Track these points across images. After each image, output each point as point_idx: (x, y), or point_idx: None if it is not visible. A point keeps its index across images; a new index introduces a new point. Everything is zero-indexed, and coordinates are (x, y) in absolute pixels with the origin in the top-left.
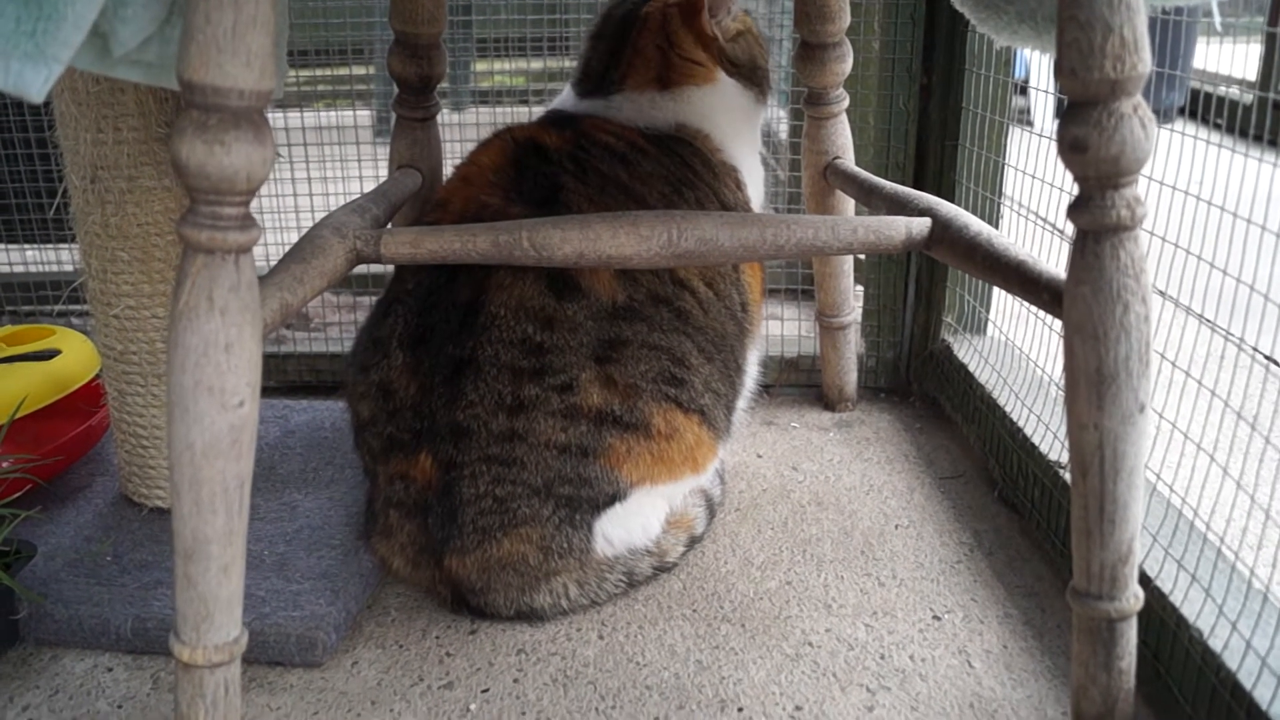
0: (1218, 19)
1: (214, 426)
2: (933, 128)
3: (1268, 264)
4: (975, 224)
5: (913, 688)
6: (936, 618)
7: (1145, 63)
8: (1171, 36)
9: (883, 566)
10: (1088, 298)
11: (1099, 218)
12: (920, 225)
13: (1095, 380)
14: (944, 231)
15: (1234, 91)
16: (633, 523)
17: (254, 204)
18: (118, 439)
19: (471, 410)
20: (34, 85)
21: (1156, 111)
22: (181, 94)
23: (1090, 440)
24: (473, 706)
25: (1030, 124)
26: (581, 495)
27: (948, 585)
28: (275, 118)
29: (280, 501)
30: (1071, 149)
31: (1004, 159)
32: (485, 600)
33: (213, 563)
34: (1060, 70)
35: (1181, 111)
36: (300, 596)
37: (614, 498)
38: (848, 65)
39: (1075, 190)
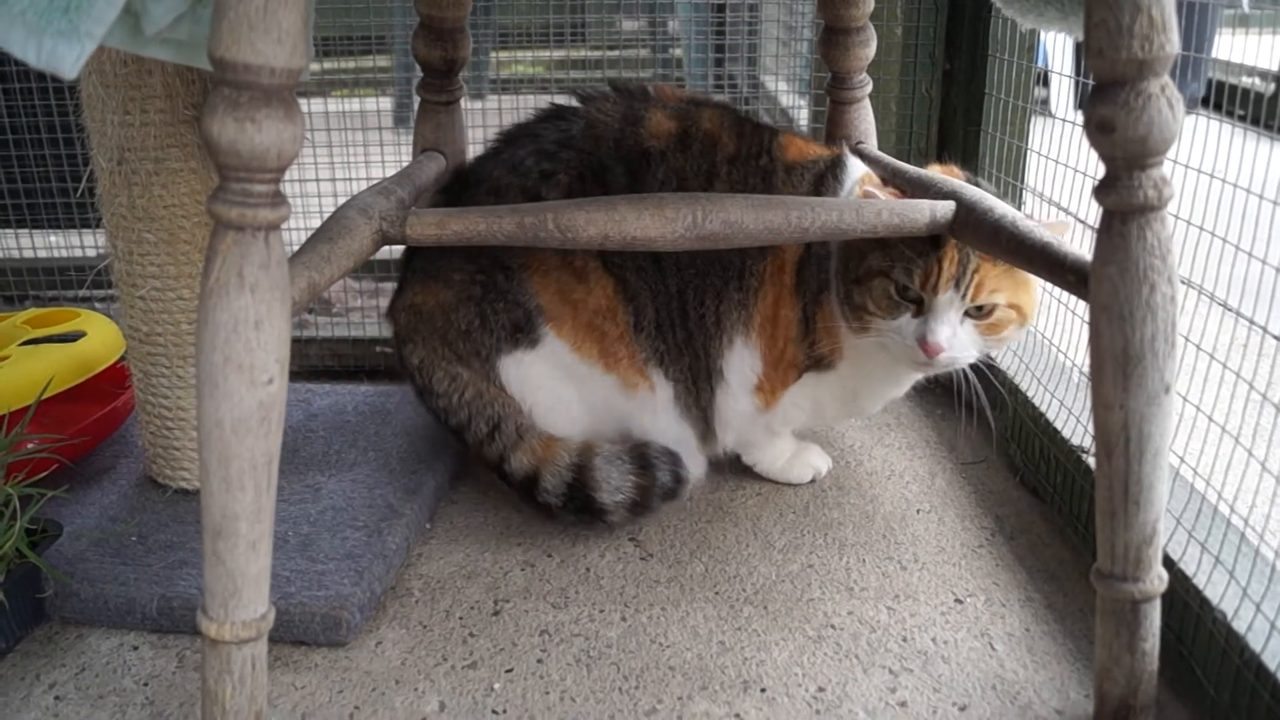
0: (1246, 3)
1: (243, 403)
2: (955, 113)
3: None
4: (1000, 206)
5: (935, 670)
6: (958, 601)
7: (1173, 43)
8: (1196, 25)
9: (904, 550)
10: (1114, 278)
11: (1126, 198)
12: (945, 208)
13: (1121, 361)
14: (968, 214)
15: (1256, 82)
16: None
17: (288, 217)
18: (143, 421)
19: None
20: (66, 61)
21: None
22: (213, 71)
23: (1116, 421)
24: (496, 686)
25: (1051, 114)
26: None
27: (969, 569)
28: (307, 104)
29: (304, 483)
30: (1099, 129)
31: (1027, 144)
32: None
33: (241, 539)
34: (1088, 50)
35: (1204, 102)
36: (325, 577)
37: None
38: (871, 50)
39: (1101, 171)
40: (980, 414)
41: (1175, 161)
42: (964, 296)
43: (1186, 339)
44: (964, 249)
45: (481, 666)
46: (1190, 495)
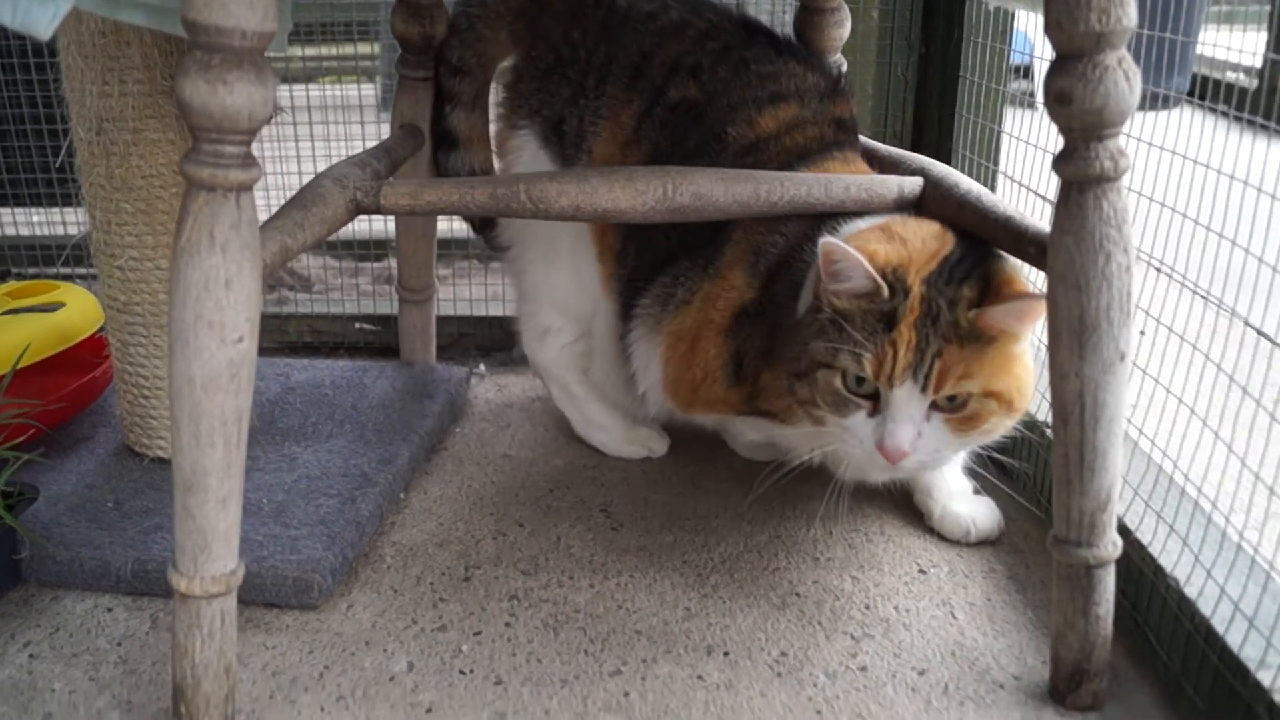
0: None
1: (214, 361)
2: (931, 96)
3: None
4: (966, 182)
5: (896, 636)
6: (922, 571)
7: (1130, 17)
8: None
9: (871, 523)
10: (1071, 248)
11: (1083, 169)
12: (913, 184)
13: (1077, 329)
14: (935, 189)
15: (1240, 77)
16: None
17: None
18: (120, 390)
19: None
20: (41, 22)
21: (1163, 97)
22: (186, 34)
23: (1071, 389)
24: (464, 648)
25: (1035, 107)
26: None
27: (934, 541)
28: (281, 92)
29: (280, 453)
30: (1057, 101)
31: (1000, 127)
32: None
33: (211, 495)
34: (1047, 23)
35: (1188, 96)
36: (297, 542)
37: None
38: (846, 30)
39: (1060, 142)
40: None
41: (1164, 149)
42: (926, 388)
43: (1159, 321)
44: (923, 329)
45: (450, 629)
46: (1148, 467)
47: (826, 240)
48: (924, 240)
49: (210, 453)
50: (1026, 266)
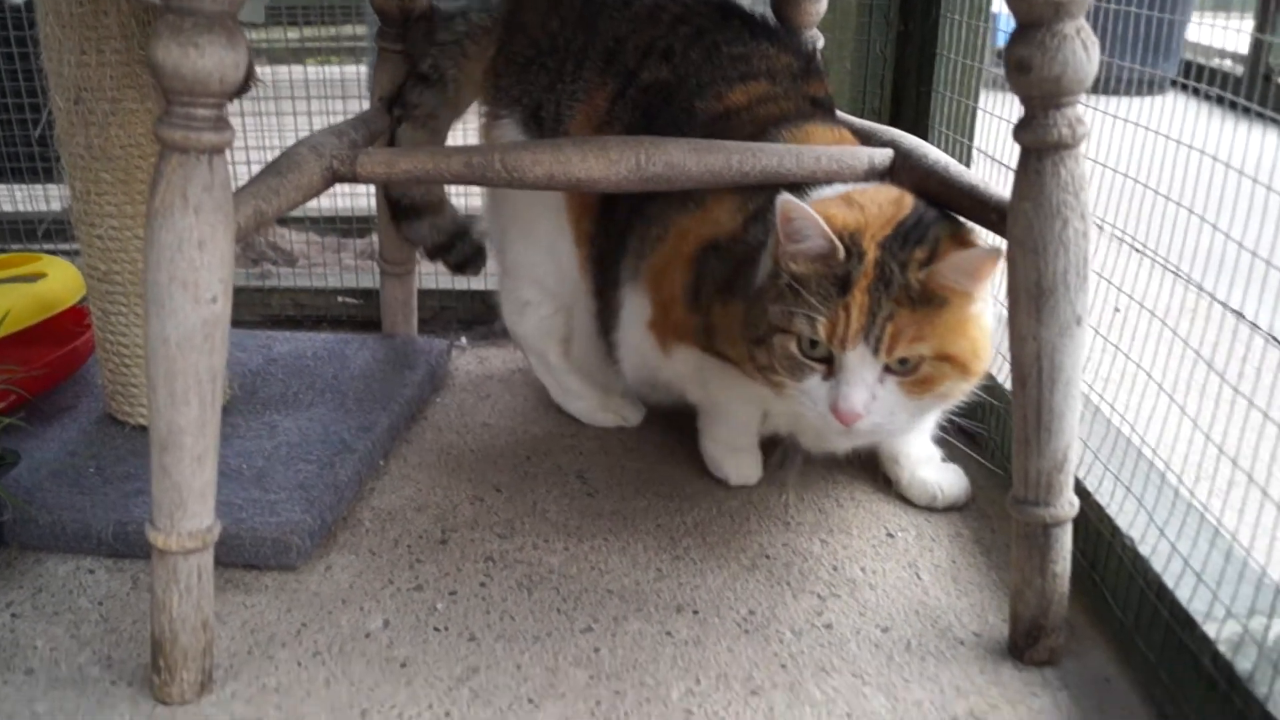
0: None
1: (188, 321)
2: (909, 73)
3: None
4: (934, 153)
5: (862, 595)
6: (890, 535)
7: None
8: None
9: (842, 489)
10: (1029, 213)
11: (1041, 136)
12: (883, 155)
13: (1035, 293)
14: (904, 161)
15: (1228, 64)
16: None
17: (247, 158)
18: (102, 359)
19: None
20: None
21: (1149, 83)
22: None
23: (1029, 351)
24: (440, 606)
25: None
26: None
27: (903, 507)
28: (272, 71)
29: (261, 421)
30: (1017, 69)
31: (976, 104)
32: None
33: (186, 452)
34: None
35: (1174, 84)
36: (277, 505)
37: None
38: (823, 5)
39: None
40: None
41: (1148, 129)
42: (878, 350)
43: (1130, 296)
44: (876, 292)
45: (426, 589)
46: (1108, 431)
47: (784, 196)
48: (881, 206)
49: (185, 411)
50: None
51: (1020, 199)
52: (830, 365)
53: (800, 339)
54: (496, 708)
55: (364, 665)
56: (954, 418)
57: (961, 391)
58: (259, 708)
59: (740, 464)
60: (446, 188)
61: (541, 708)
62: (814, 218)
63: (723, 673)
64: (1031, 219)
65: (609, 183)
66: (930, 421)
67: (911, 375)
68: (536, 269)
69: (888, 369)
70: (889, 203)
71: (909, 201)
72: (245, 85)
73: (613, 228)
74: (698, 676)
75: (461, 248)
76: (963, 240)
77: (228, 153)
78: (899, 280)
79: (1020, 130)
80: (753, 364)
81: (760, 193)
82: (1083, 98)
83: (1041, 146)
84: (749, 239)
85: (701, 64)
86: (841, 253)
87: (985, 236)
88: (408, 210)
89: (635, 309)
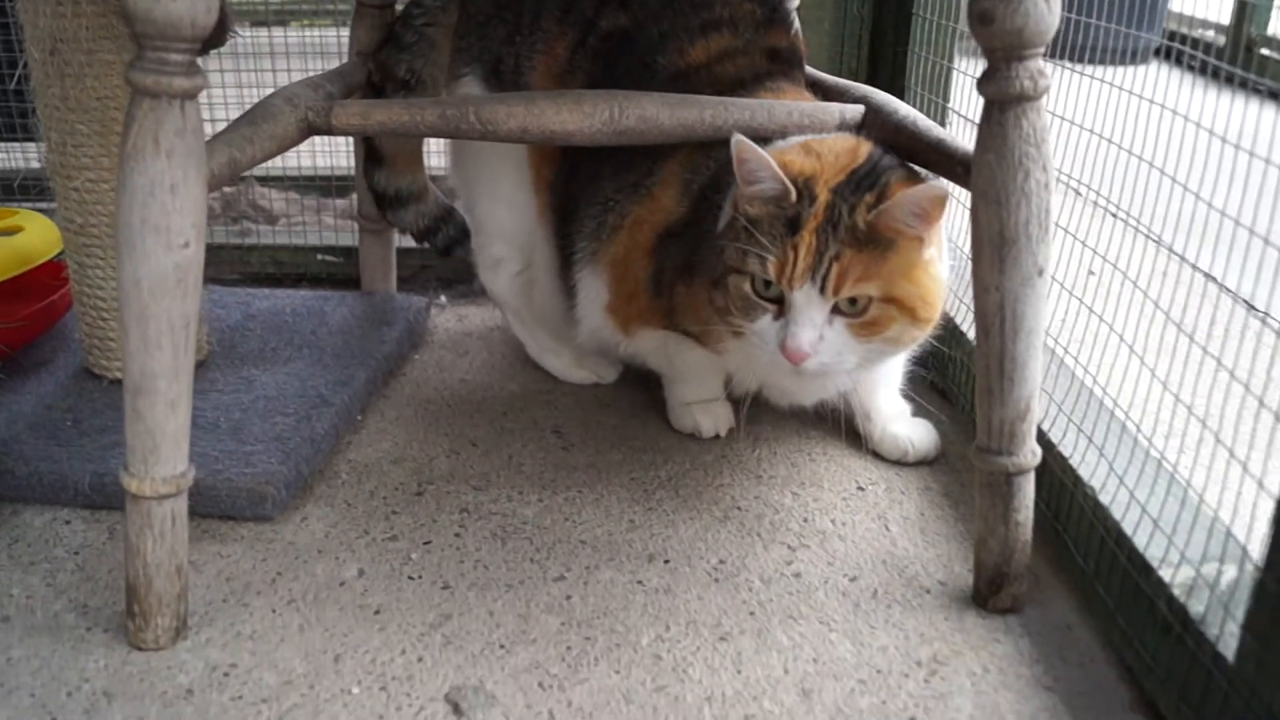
0: None
1: (160, 265)
2: (886, 33)
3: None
4: (904, 109)
5: (831, 546)
6: (860, 488)
7: None
8: None
9: (815, 444)
10: (992, 165)
11: (1004, 88)
12: (854, 110)
13: (997, 244)
14: (875, 116)
15: (1211, 34)
16: None
17: (229, 120)
18: (79, 312)
19: None
20: None
21: (1131, 51)
22: None
23: (992, 301)
24: (414, 556)
25: None
26: None
27: (874, 461)
28: (258, 35)
29: (238, 376)
30: (979, 21)
31: (952, 64)
32: None
33: (160, 397)
34: None
35: (1157, 53)
36: (253, 456)
37: None
38: None
39: (983, 63)
40: None
41: (1130, 91)
42: (824, 289)
43: (1104, 258)
44: (824, 233)
45: (401, 539)
46: (1071, 384)
47: (737, 136)
48: (837, 155)
49: (158, 355)
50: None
51: (983, 150)
52: (781, 306)
53: (754, 279)
54: (468, 653)
55: (338, 612)
56: (923, 373)
57: (911, 339)
58: (233, 653)
59: (712, 414)
60: (429, 184)
61: (513, 652)
62: (765, 159)
63: (692, 619)
64: (994, 170)
65: (583, 135)
66: (897, 376)
67: (860, 317)
68: (504, 224)
69: (836, 310)
70: (845, 151)
71: (865, 150)
72: (221, 36)
73: (574, 175)
74: (667, 623)
75: (446, 231)
76: (908, 182)
77: (207, 113)
78: (846, 222)
79: (983, 82)
80: (712, 307)
81: (702, 171)
82: (1044, 51)
83: (1004, 98)
84: (701, 220)
85: (661, 11)
86: (793, 195)
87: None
88: (393, 200)
89: (593, 292)
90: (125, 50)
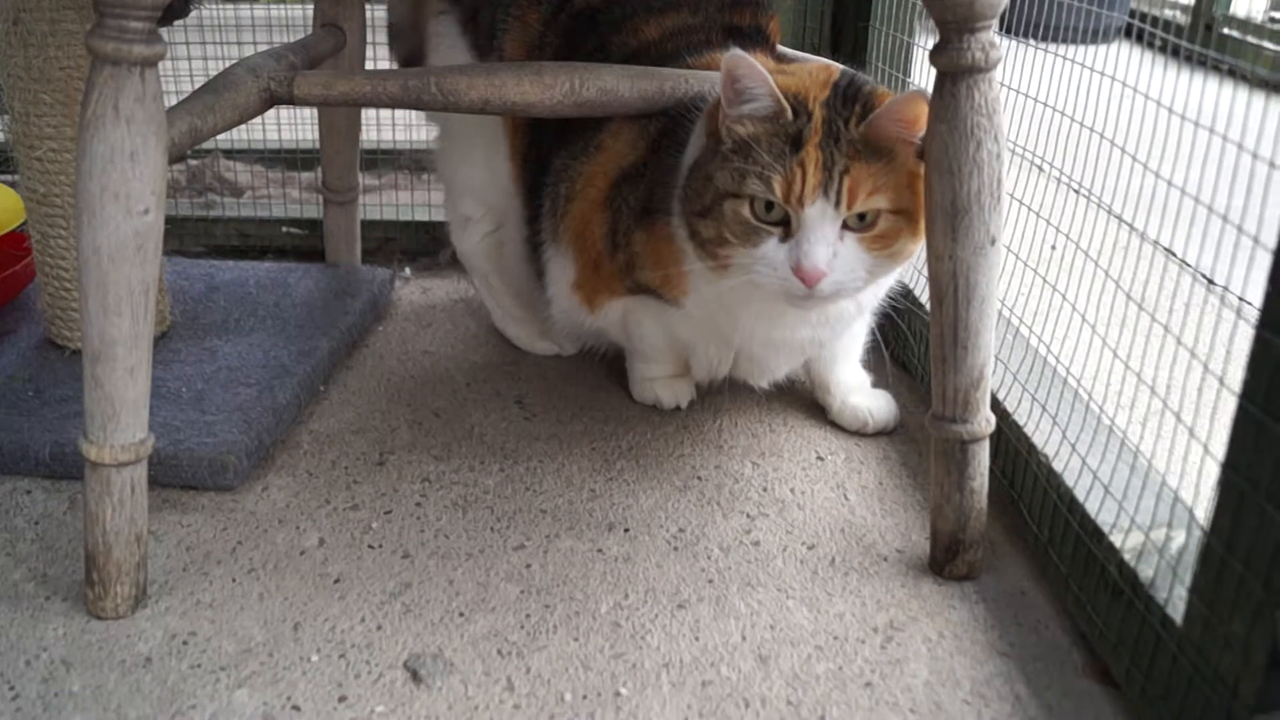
0: None
1: (120, 232)
2: (848, 9)
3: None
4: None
5: (790, 515)
6: (820, 458)
7: None
8: None
9: (776, 415)
10: (944, 135)
11: (956, 59)
12: None
13: (950, 213)
14: None
15: (1178, 15)
16: None
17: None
18: (42, 283)
19: None
20: None
21: (1096, 31)
22: None
23: (945, 270)
24: (375, 525)
25: None
26: None
27: (834, 432)
28: (225, 10)
29: (201, 347)
30: None
31: (911, 39)
32: None
33: (119, 364)
34: None
35: (1121, 31)
36: (214, 426)
37: None
38: None
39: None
40: None
41: (1100, 72)
42: (838, 204)
43: (1062, 233)
44: (829, 145)
45: (362, 509)
46: (1026, 353)
47: (732, 54)
48: (812, 74)
49: (118, 322)
50: None
51: (936, 121)
52: (787, 227)
53: (754, 201)
54: (427, 620)
55: (298, 580)
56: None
57: (909, 253)
58: (192, 621)
59: (672, 389)
60: None
61: (472, 620)
62: (764, 74)
63: (651, 587)
64: (946, 140)
65: (544, 107)
66: (858, 348)
67: (870, 230)
68: (474, 181)
69: (845, 226)
70: (819, 70)
71: (836, 69)
72: (185, 8)
73: (542, 148)
74: (626, 591)
75: None
76: (889, 94)
77: (178, 86)
78: (846, 135)
79: (936, 54)
80: (698, 244)
81: (657, 117)
82: (996, 24)
83: (956, 70)
84: (662, 154)
85: None
86: (789, 112)
87: None
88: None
89: (559, 271)
90: (89, 20)
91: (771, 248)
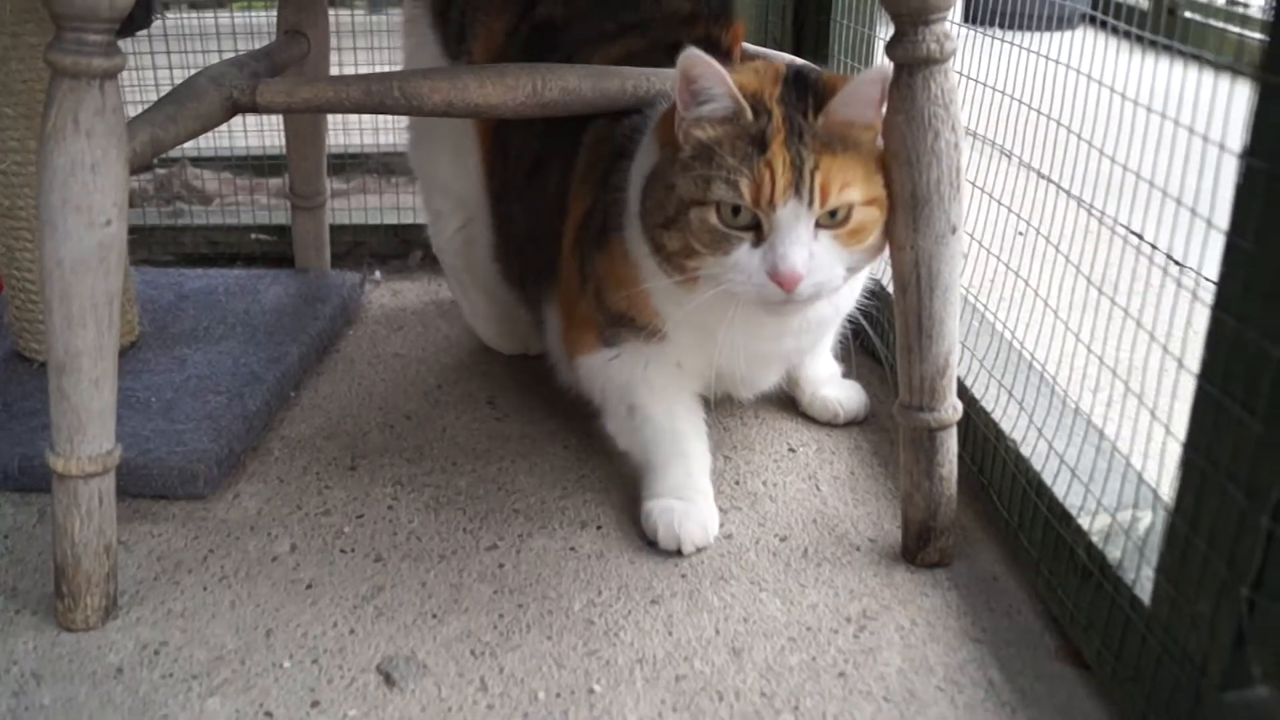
0: None
1: (82, 244)
2: (810, 3)
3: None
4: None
5: (762, 507)
6: (791, 450)
7: None
8: None
9: (746, 408)
10: (902, 126)
11: (911, 51)
12: None
13: (910, 204)
14: None
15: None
16: None
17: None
18: (8, 296)
19: None
20: None
21: (1059, 18)
22: None
23: (907, 260)
24: (347, 529)
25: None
26: None
27: (806, 424)
28: (190, 18)
29: (170, 356)
30: None
31: (873, 32)
32: None
33: (84, 376)
34: None
35: (1084, 18)
36: (184, 435)
37: None
38: None
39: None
40: None
41: (1055, 60)
42: (811, 203)
43: (1027, 222)
44: (794, 143)
45: (334, 514)
46: (992, 339)
47: (688, 53)
48: (760, 70)
49: (82, 334)
50: None
51: (894, 113)
52: (758, 231)
53: (720, 207)
54: (400, 623)
55: (270, 587)
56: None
57: (884, 243)
58: (164, 631)
59: (700, 513)
60: None
61: (445, 622)
62: (721, 73)
63: (624, 584)
64: (904, 132)
65: (507, 109)
66: (828, 340)
67: (844, 226)
68: (442, 174)
69: (818, 224)
70: (765, 67)
71: (780, 64)
72: (145, 19)
73: (508, 160)
74: (599, 588)
75: None
76: (840, 78)
77: (145, 96)
78: (809, 130)
79: (891, 47)
80: (664, 258)
81: (599, 161)
82: (950, 16)
83: (912, 62)
84: (607, 176)
85: (590, 10)
86: (749, 112)
87: None
88: None
89: (553, 324)
90: (50, 33)
91: (744, 254)
